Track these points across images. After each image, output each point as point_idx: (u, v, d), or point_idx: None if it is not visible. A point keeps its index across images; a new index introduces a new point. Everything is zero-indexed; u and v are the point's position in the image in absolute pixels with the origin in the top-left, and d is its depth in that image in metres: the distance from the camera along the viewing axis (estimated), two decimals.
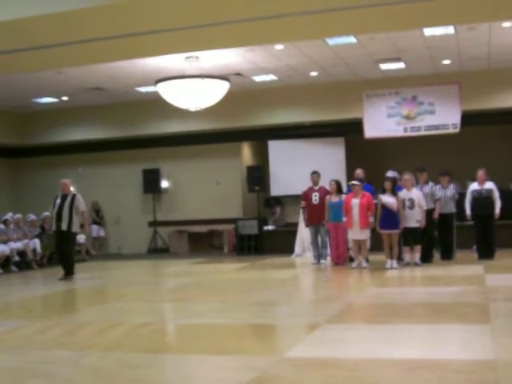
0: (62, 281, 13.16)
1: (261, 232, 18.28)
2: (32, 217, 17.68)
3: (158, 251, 20.13)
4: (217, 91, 14.93)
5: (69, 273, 13.37)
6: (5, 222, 16.64)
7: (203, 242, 20.09)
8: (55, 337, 7.37)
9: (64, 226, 13.13)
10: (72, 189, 14.11)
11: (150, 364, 5.83)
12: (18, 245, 16.26)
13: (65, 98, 18.69)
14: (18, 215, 17.38)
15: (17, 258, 16.16)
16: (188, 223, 20.06)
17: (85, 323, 8.50)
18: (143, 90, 17.73)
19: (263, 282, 12.34)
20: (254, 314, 8.55)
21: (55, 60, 11.51)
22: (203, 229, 19.94)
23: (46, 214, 18.09)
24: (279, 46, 13.86)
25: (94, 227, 20.49)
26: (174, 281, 13.39)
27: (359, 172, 14.38)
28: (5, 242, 15.98)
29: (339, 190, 13.90)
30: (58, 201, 13.37)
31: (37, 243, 16.77)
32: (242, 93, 17.79)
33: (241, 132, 19.46)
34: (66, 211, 13.17)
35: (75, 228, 13.35)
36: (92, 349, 6.56)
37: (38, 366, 5.91)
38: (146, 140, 20.17)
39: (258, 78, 16.94)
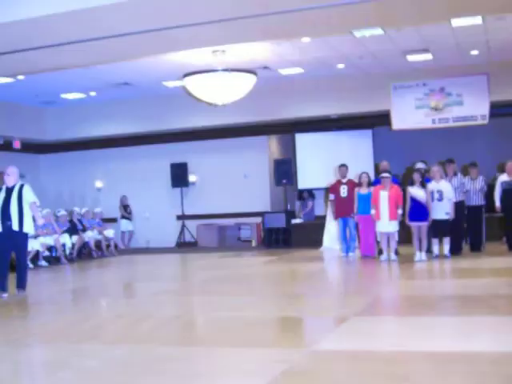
0: None
1: (289, 225, 18.28)
2: (62, 212, 17.82)
3: (186, 245, 20.19)
4: (244, 85, 14.93)
5: (22, 286, 10.52)
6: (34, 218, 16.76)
7: (231, 235, 20.13)
8: (86, 330, 7.44)
9: (15, 226, 10.37)
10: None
11: (179, 357, 5.86)
12: (48, 240, 16.40)
13: (92, 94, 18.82)
14: (47, 210, 17.52)
15: (46, 253, 16.31)
16: (216, 216, 20.11)
17: (115, 316, 8.57)
18: (170, 84, 17.77)
19: (291, 274, 12.36)
20: (283, 307, 8.55)
21: (82, 56, 11.57)
22: (231, 222, 19.98)
23: (75, 208, 18.27)
24: (306, 39, 13.82)
25: (123, 221, 20.65)
26: (203, 274, 13.42)
27: (385, 164, 14.30)
28: (34, 237, 16.12)
29: (369, 183, 13.91)
30: (3, 195, 10.55)
31: (66, 238, 16.92)
32: (269, 86, 17.75)
33: (268, 125, 19.48)
34: (15, 207, 10.44)
35: (28, 227, 10.62)
36: (122, 342, 6.61)
37: (70, 358, 5.96)
38: (174, 134, 20.23)
39: (284, 71, 16.91)
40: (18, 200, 10.47)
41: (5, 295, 10.28)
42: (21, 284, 10.52)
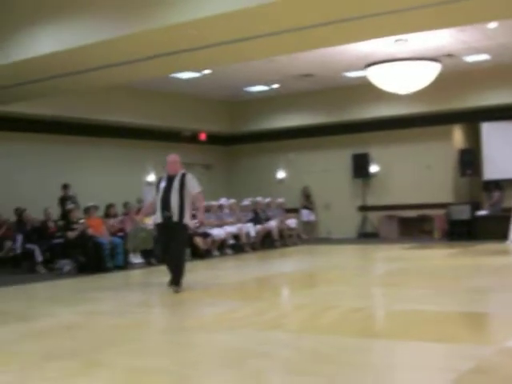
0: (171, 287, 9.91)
1: (473, 217, 17.78)
2: (246, 202, 18.33)
3: (367, 236, 20.15)
4: (427, 74, 14.64)
5: (175, 281, 9.83)
6: (220, 207, 17.40)
7: (413, 226, 19.86)
8: (272, 318, 7.59)
9: (174, 217, 9.69)
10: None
11: (363, 349, 5.87)
12: (233, 229, 16.92)
13: (275, 86, 19.15)
14: (233, 200, 18.08)
15: (231, 242, 16.83)
16: (398, 208, 19.90)
17: (298, 306, 8.70)
18: (352, 74, 17.76)
19: (476, 268, 12.03)
20: (467, 302, 8.34)
21: (269, 48, 11.79)
22: (413, 214, 19.69)
23: (259, 199, 18.66)
24: (493, 25, 13.33)
25: (305, 212, 20.90)
26: (384, 266, 13.34)
27: None
28: (220, 226, 16.68)
29: None
30: (163, 184, 9.88)
31: (250, 227, 17.37)
32: (452, 74, 17.29)
33: (451, 114, 19.00)
34: (176, 197, 9.73)
35: (188, 219, 9.93)
36: (308, 331, 6.70)
37: (257, 346, 6.09)
38: (355, 125, 20.21)
39: (469, 59, 16.41)
40: (179, 190, 9.76)
41: (179, 289, 9.77)
42: (173, 279, 9.86)
